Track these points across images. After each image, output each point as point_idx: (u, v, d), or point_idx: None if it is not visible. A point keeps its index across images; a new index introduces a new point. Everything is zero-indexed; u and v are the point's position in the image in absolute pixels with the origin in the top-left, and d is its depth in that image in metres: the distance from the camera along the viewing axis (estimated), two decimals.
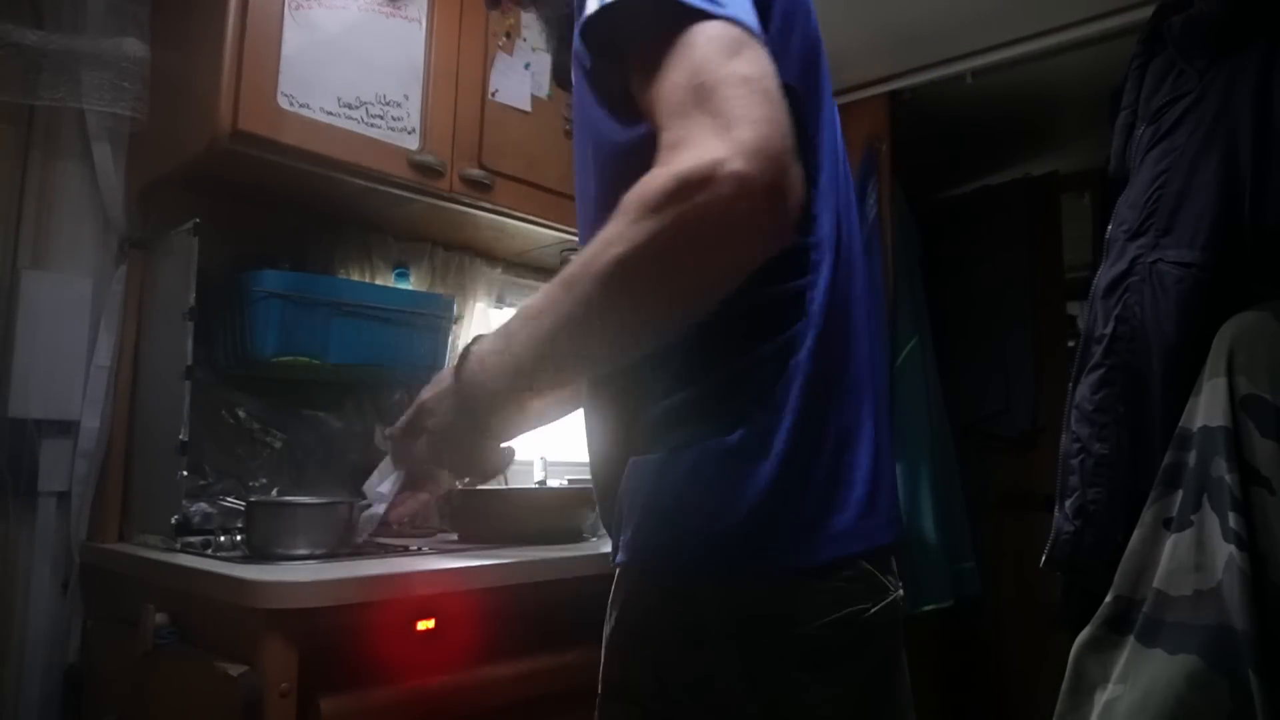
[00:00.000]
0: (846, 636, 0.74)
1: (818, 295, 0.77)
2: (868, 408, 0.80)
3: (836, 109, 0.91)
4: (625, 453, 0.79)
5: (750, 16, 0.68)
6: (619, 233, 0.64)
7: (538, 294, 0.70)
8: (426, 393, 0.85)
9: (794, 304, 0.76)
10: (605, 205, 0.75)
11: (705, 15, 0.65)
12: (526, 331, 0.71)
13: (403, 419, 0.89)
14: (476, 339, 0.78)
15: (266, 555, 1.21)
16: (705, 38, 0.65)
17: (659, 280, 0.64)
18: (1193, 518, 1.01)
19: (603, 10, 0.69)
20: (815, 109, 0.82)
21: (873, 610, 0.75)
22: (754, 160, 0.59)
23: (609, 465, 0.81)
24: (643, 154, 0.72)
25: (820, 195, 0.80)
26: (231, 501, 1.51)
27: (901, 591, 0.80)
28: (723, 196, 0.59)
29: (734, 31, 0.66)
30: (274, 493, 1.59)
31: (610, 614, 0.80)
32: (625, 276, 0.64)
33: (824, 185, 0.81)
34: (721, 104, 0.61)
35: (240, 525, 1.40)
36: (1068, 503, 1.17)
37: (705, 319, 0.68)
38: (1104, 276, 1.19)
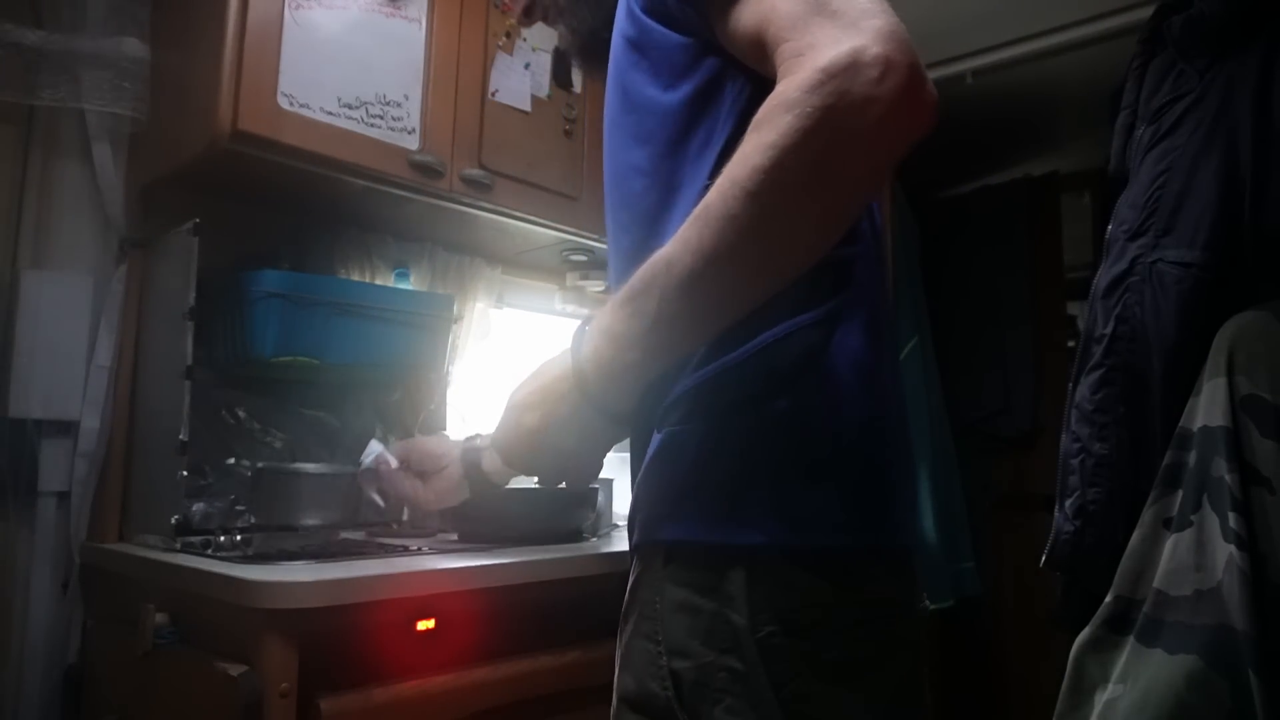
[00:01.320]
0: (883, 637, 0.72)
1: (860, 264, 0.75)
2: (894, 390, 0.77)
3: None
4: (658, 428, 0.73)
5: None
6: (759, 142, 0.59)
7: (665, 246, 0.64)
8: (521, 391, 0.74)
9: (840, 270, 0.72)
10: (652, 170, 0.76)
11: None
12: (657, 286, 0.63)
13: (497, 431, 0.77)
14: (588, 318, 0.70)
15: (277, 526, 1.18)
16: None
17: (814, 183, 0.59)
18: (1193, 518, 1.01)
19: None
20: None
21: (908, 612, 0.74)
22: (891, 42, 0.57)
23: (644, 448, 0.75)
24: (686, 112, 0.74)
25: None
26: (243, 465, 1.46)
27: (927, 602, 0.79)
28: (871, 79, 0.56)
29: None
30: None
31: (628, 616, 0.76)
32: (776, 186, 0.58)
33: None
34: (841, 6, 0.60)
35: (247, 499, 1.39)
36: (1068, 503, 1.17)
37: None
38: (1104, 276, 1.19)
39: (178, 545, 1.32)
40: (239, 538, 1.38)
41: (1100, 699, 1.03)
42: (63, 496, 1.46)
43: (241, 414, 1.60)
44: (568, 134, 1.81)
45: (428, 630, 1.17)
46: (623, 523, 1.81)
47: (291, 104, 1.37)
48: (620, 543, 1.54)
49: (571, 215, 1.81)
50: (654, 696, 0.71)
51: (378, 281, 1.76)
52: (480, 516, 1.51)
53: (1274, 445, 0.99)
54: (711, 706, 0.68)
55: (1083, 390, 1.17)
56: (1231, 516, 0.97)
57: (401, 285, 1.80)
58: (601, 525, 1.69)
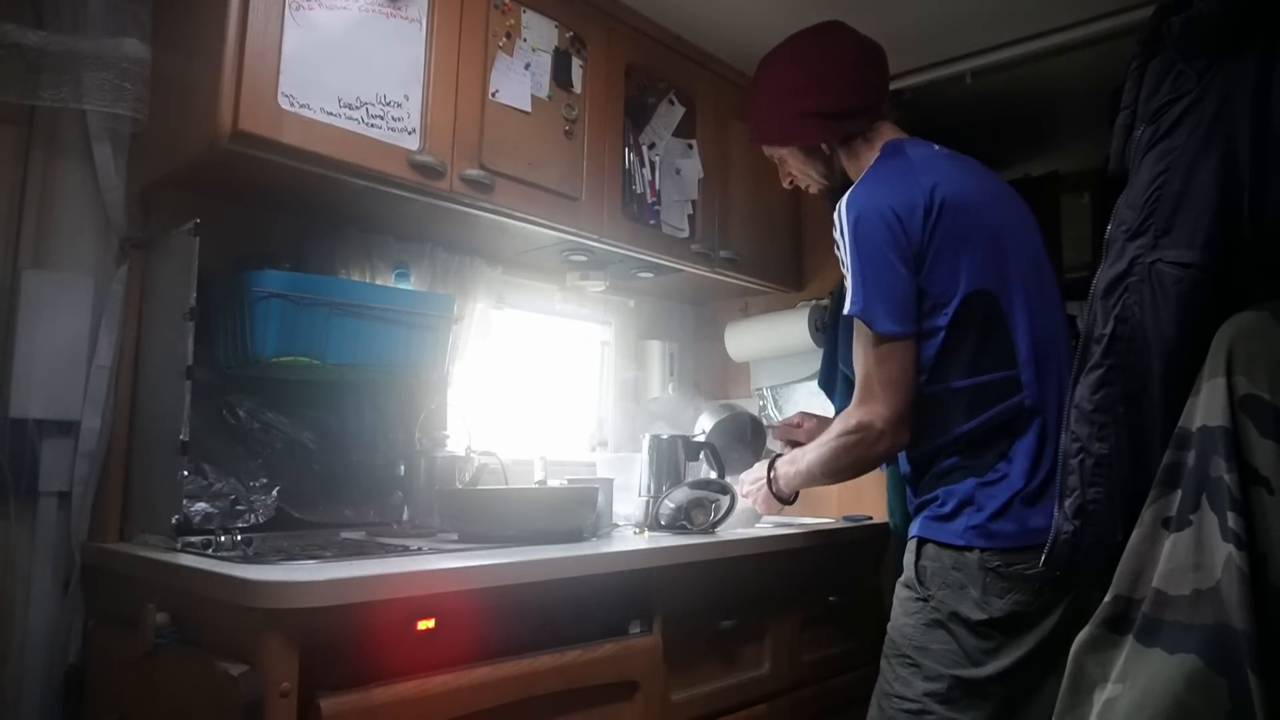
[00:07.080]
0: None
1: (1028, 398, 1.35)
2: (1050, 438, 1.32)
3: (1036, 242, 1.54)
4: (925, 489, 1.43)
5: (899, 325, 1.33)
6: (828, 435, 1.46)
7: (812, 446, 1.52)
8: (747, 477, 1.72)
9: (1014, 415, 1.34)
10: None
11: (877, 337, 1.35)
12: (805, 460, 1.52)
13: (750, 483, 1.71)
14: (776, 458, 1.65)
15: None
16: (876, 354, 1.35)
17: (845, 461, 1.44)
18: (1192, 517, 1.01)
19: (852, 314, 1.37)
20: (1005, 274, 1.39)
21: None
22: (885, 423, 1.36)
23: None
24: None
25: (1016, 326, 1.36)
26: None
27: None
28: (869, 438, 1.39)
29: (884, 348, 1.35)
30: (274, 493, 1.59)
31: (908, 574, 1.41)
32: (832, 457, 1.45)
33: (1020, 312, 1.38)
34: (874, 390, 1.37)
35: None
36: (1067, 503, 1.17)
37: (959, 438, 1.36)
38: (1103, 276, 1.19)
39: (178, 545, 1.32)
40: (239, 538, 1.39)
41: (1099, 698, 1.03)
42: (63, 496, 1.46)
43: (241, 414, 1.60)
44: (568, 134, 1.81)
45: (428, 630, 1.17)
46: (623, 523, 1.82)
47: (292, 104, 1.37)
48: (620, 543, 1.54)
49: (571, 215, 1.81)
50: (904, 636, 1.40)
51: (378, 281, 1.76)
52: (480, 516, 1.52)
53: (1273, 445, 0.99)
54: (943, 615, 1.36)
55: (1082, 390, 1.17)
56: (1230, 516, 0.97)
57: (401, 285, 1.80)
58: (601, 525, 1.69)
